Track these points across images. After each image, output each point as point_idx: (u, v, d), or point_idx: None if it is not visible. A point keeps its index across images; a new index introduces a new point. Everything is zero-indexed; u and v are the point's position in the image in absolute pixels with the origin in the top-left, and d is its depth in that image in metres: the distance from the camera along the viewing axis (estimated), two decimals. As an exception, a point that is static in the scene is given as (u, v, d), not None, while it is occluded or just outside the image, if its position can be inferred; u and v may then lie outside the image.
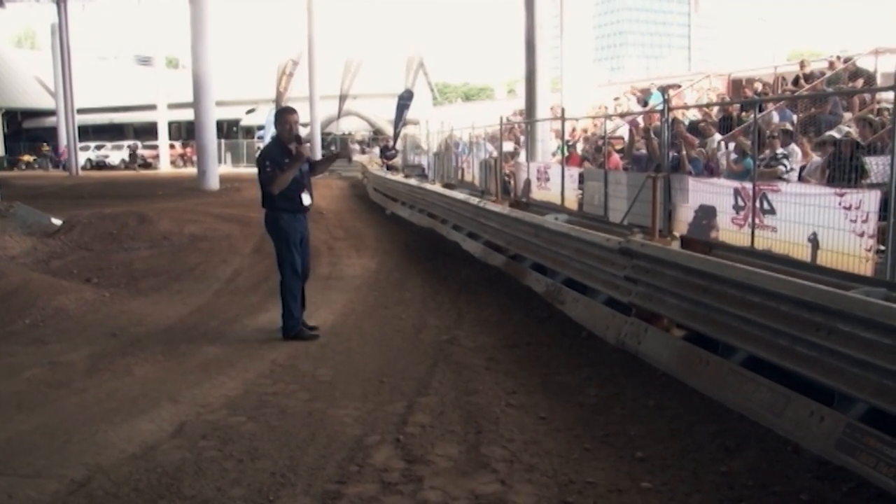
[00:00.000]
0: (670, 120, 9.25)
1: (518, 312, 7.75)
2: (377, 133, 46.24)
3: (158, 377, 5.71)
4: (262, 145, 43.91)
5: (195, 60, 23.01)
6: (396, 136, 34.92)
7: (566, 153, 14.46)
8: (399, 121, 39.08)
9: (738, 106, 13.44)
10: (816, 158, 9.37)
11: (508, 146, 18.95)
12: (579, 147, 16.06)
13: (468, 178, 20.19)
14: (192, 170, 37.50)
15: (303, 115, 39.74)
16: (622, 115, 14.90)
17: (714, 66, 21.96)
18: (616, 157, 13.55)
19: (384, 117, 43.45)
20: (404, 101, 39.02)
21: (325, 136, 35.88)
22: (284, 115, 6.70)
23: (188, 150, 44.76)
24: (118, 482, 3.91)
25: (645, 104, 18.78)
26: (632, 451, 4.22)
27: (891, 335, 3.66)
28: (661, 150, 9.48)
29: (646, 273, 6.05)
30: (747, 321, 4.71)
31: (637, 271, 6.16)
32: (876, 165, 8.12)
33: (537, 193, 14.06)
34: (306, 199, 6.71)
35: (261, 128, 42.94)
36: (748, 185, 7.45)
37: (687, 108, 12.84)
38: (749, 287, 4.71)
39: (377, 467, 4.05)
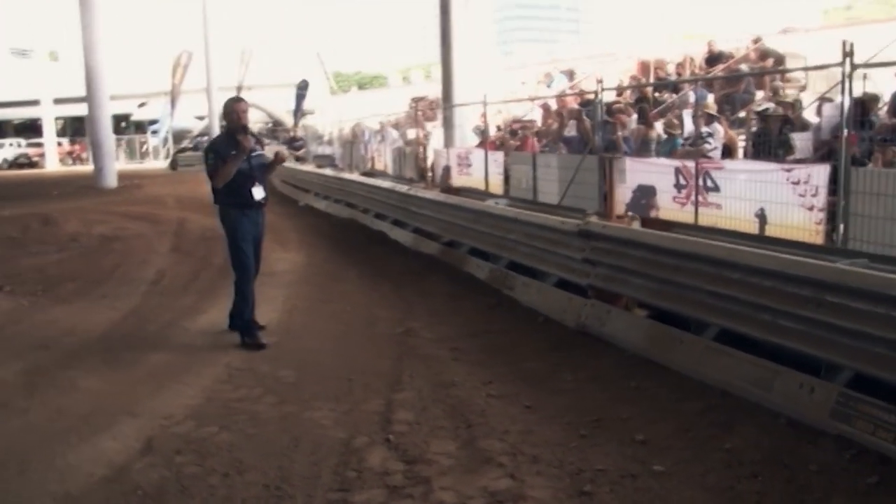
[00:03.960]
0: (603, 101, 9.35)
1: (467, 300, 7.64)
2: (276, 124, 45.18)
3: (108, 390, 5.28)
4: (155, 141, 42.50)
5: (87, 52, 21.65)
6: (296, 126, 34.25)
7: (482, 139, 14.51)
8: (298, 111, 38.32)
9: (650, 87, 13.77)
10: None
11: (412, 133, 18.85)
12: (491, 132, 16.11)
13: (379, 166, 19.98)
14: (82, 168, 35.75)
15: (199, 108, 38.22)
16: (556, 97, 14.99)
17: (610, 48, 22.35)
18: (532, 140, 13.65)
19: (282, 108, 42.51)
20: (301, 90, 38.29)
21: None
22: (231, 105, 6.30)
23: (77, 147, 42.55)
24: (96, 509, 3.58)
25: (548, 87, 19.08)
26: (629, 435, 4.18)
27: (885, 304, 3.73)
28: (593, 132, 9.56)
29: (607, 254, 6.03)
30: (726, 298, 4.74)
31: (597, 253, 6.14)
32: (800, 141, 8.41)
33: (458, 179, 14.01)
34: (258, 194, 6.30)
35: (153, 122, 41.23)
36: (689, 164, 7.58)
37: (621, 88, 13.01)
38: (728, 264, 4.74)
39: (376, 471, 3.86)
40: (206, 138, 35.61)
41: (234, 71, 37.85)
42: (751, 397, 4.42)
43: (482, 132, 15.28)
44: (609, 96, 12.97)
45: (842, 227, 5.86)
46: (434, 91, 28.22)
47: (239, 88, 37.84)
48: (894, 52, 8.58)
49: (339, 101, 43.49)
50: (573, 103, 13.69)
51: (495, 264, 8.15)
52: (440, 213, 9.84)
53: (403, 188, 11.80)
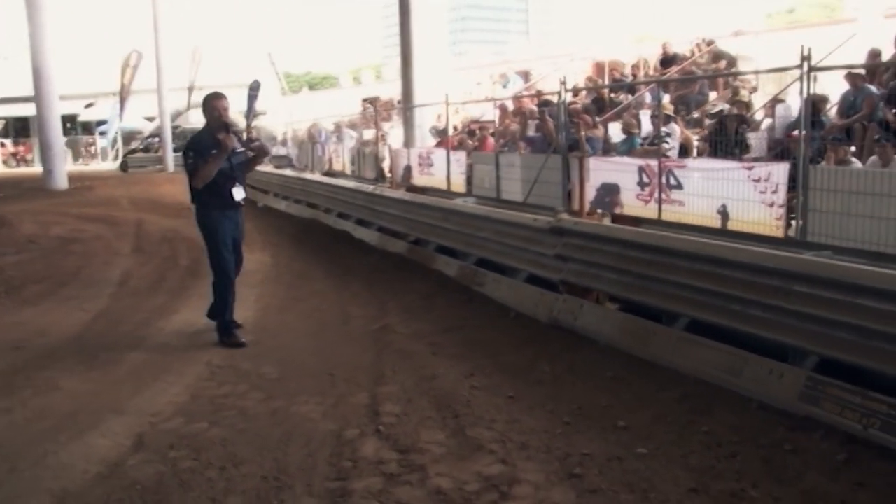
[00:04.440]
0: (567, 101, 9.57)
1: (439, 297, 7.76)
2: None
3: (90, 389, 5.28)
4: (103, 142, 41.57)
5: (34, 51, 21.15)
6: (249, 127, 33.91)
7: (440, 139, 14.67)
8: (250, 112, 37.89)
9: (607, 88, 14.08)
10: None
11: (369, 133, 18.93)
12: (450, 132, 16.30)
13: (337, 166, 20.00)
14: (28, 170, 35.00)
15: (150, 109, 37.26)
16: (514, 98, 15.21)
17: (562, 49, 22.65)
18: (490, 140, 13.85)
19: (234, 108, 42.02)
20: (253, 91, 37.85)
21: (174, 129, 34.21)
22: (212, 101, 6.12)
23: (22, 148, 41.55)
24: (97, 505, 3.62)
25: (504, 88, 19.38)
26: (611, 422, 4.36)
27: (850, 293, 3.98)
28: (557, 132, 9.78)
29: (580, 250, 6.22)
30: (699, 290, 4.96)
31: (570, 249, 6.33)
32: (754, 140, 8.75)
33: (419, 179, 14.14)
34: (238, 194, 6.26)
35: (101, 123, 40.40)
36: (653, 163, 7.83)
37: (583, 89, 13.29)
38: (701, 257, 4.96)
39: (371, 460, 3.97)
40: (157, 139, 35.06)
41: (185, 71, 37.31)
42: (723, 384, 4.65)
43: (440, 132, 15.45)
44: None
45: (801, 222, 6.15)
46: (385, 91, 28.32)
47: (191, 89, 37.40)
48: (840, 55, 8.99)
49: (290, 102, 43.17)
50: (531, 104, 13.94)
51: (464, 261, 8.30)
52: (408, 212, 9.95)
53: (369, 188, 11.90)
